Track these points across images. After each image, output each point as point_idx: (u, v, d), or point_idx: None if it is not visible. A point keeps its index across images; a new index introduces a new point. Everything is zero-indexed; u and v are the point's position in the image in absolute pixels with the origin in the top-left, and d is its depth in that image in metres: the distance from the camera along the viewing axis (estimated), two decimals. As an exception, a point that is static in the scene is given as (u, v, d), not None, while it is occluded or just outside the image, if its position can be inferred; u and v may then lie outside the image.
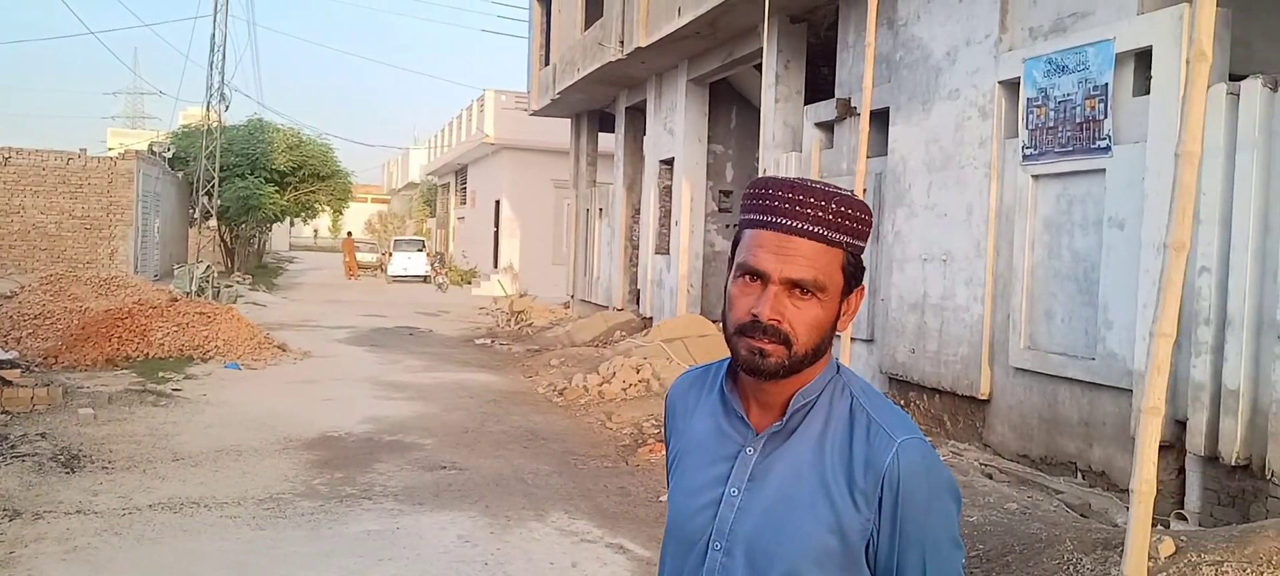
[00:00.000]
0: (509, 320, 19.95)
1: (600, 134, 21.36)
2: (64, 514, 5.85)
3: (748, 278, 1.40)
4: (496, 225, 31.76)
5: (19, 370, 9.29)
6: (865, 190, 10.01)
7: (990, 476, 7.47)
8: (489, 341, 16.92)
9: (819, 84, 12.63)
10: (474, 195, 36.65)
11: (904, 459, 1.39)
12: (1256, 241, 5.77)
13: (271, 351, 13.06)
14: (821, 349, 1.41)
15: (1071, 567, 5.00)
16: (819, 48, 12.59)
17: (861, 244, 1.41)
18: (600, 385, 11.26)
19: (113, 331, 12.24)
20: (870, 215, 1.43)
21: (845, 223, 1.39)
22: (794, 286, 1.38)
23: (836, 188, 1.42)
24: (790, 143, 11.89)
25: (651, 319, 16.57)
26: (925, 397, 9.03)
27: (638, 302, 18.03)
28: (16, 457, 7.00)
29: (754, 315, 1.38)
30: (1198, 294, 6.11)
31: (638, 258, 18.45)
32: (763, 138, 12.23)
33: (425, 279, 34.47)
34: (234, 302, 18.48)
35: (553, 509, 6.42)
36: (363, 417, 9.25)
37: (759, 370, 1.40)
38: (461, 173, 39.93)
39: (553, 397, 11.13)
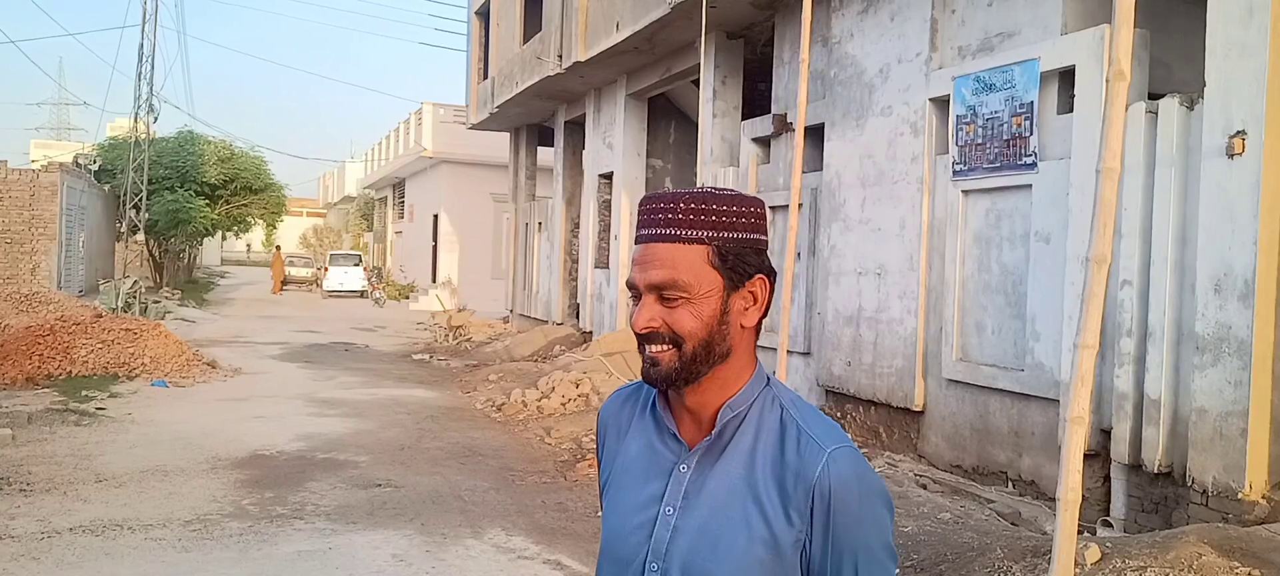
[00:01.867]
0: (447, 335, 19.75)
1: (539, 148, 21.30)
2: (-22, 539, 5.62)
3: (631, 295, 1.43)
4: (435, 239, 31.46)
5: (-69, 390, 8.92)
6: (800, 205, 10.14)
7: (924, 487, 7.59)
8: (427, 357, 16.72)
9: (756, 99, 12.77)
10: (412, 209, 36.28)
11: (834, 468, 1.39)
12: (1175, 255, 5.97)
13: (200, 368, 12.73)
14: (717, 346, 1.40)
15: (1001, 572, 5.10)
16: (756, 64, 12.73)
17: (735, 234, 1.39)
18: (539, 400, 11.20)
19: (33, 349, 11.82)
20: (746, 204, 1.41)
21: (702, 217, 1.38)
22: (658, 291, 1.39)
23: (711, 189, 1.42)
24: (728, 157, 11.99)
25: (592, 333, 16.54)
26: (861, 410, 9.15)
27: (577, 317, 17.99)
28: (-73, 481, 6.72)
29: (636, 328, 1.40)
30: (1120, 306, 6.29)
31: (577, 271, 18.42)
32: (700, 152, 12.31)
33: (362, 293, 33.98)
34: (162, 319, 18.00)
35: (489, 526, 6.35)
36: (295, 435, 9.06)
37: (654, 378, 1.41)
38: (399, 186, 39.52)
39: (491, 413, 11.03)
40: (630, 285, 1.43)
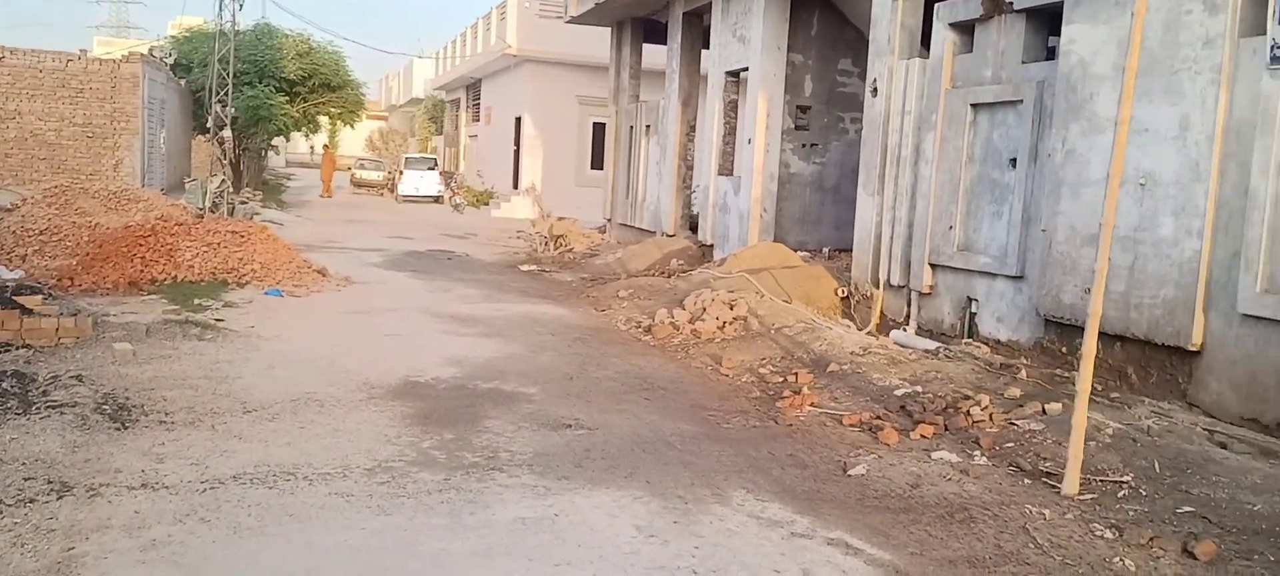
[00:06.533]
0: (547, 244, 18.57)
1: (645, 45, 19.72)
2: (127, 488, 4.55)
3: None
4: (517, 143, 30.15)
5: (40, 296, 7.92)
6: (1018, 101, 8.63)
7: (1224, 446, 6.23)
8: (535, 268, 15.58)
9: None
10: (489, 111, 34.94)
11: None
12: None
13: (311, 276, 11.68)
14: None
15: None
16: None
17: None
18: (692, 323, 9.96)
19: (135, 250, 10.83)
20: None
21: None
22: None
23: None
24: (908, 48, 10.42)
25: (712, 247, 15.24)
26: (1102, 345, 7.74)
27: (693, 229, 16.66)
28: (53, 407, 5.69)
29: None
30: None
31: (692, 179, 17.04)
32: (874, 41, 10.77)
33: (437, 199, 32.94)
34: (250, 220, 17.04)
35: (728, 486, 5.15)
36: (443, 358, 7.93)
37: None
38: (474, 87, 38.12)
39: (639, 335, 9.84)
40: None
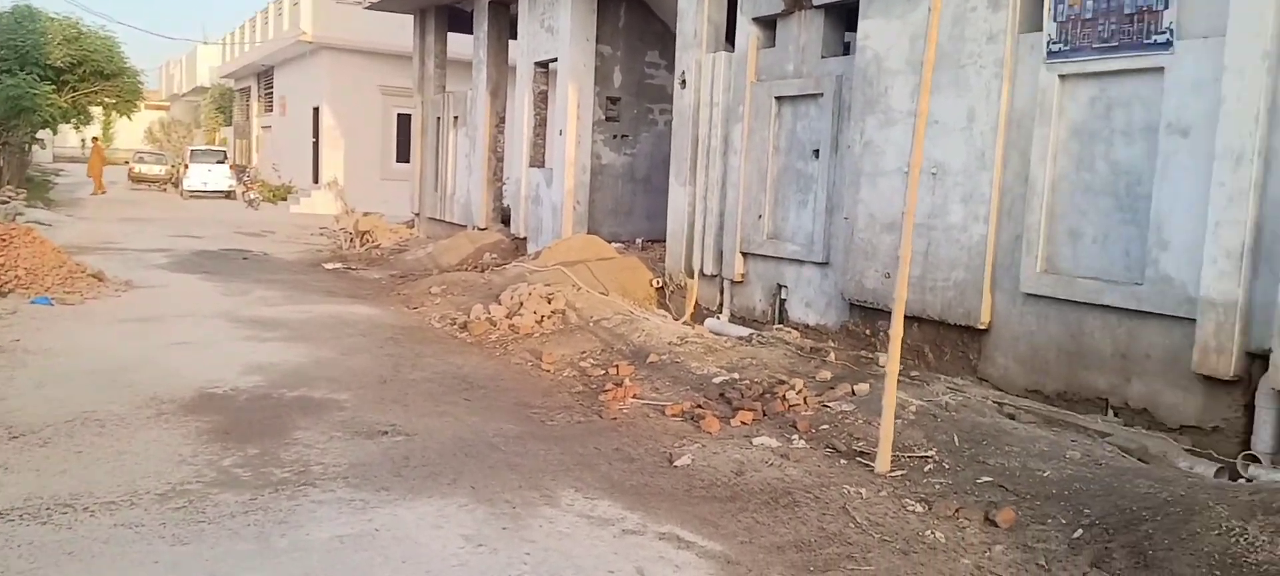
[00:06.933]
0: (352, 241, 17.81)
1: (450, 34, 19.22)
2: None
3: None
4: (316, 136, 28.76)
5: None
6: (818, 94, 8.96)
7: (1012, 417, 6.69)
8: (341, 266, 14.90)
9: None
10: (284, 101, 33.17)
11: None
12: (1377, 151, 5.09)
13: (86, 282, 10.66)
14: None
15: (1238, 538, 4.19)
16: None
17: None
18: (509, 318, 9.77)
19: None
20: None
21: None
22: None
23: None
24: (715, 42, 10.62)
25: (526, 240, 15.06)
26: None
27: (506, 222, 16.42)
28: None
29: None
30: (1292, 211, 5.41)
31: (503, 171, 16.78)
32: (681, 34, 10.90)
33: (228, 194, 31.03)
34: (12, 221, 15.39)
35: (557, 486, 5.05)
36: (243, 366, 7.40)
37: None
38: (266, 75, 36.09)
39: (455, 333, 9.56)
40: None
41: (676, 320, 10.22)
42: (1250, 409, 5.79)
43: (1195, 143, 5.92)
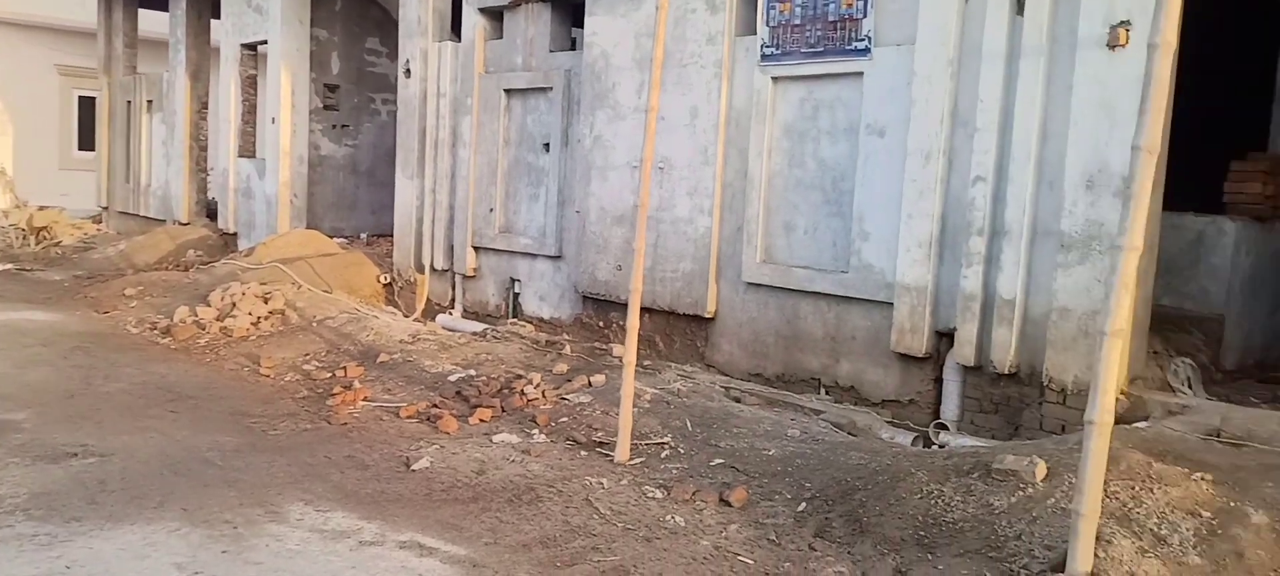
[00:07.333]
0: (26, 239, 15.73)
1: (141, 10, 17.45)
2: None
3: None
4: (-24, 119, 25.10)
5: None
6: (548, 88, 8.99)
7: (738, 400, 7.04)
8: (12, 267, 13.12)
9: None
10: (-68, 79, 28.67)
11: None
12: (1037, 150, 5.81)
13: None
14: None
15: (937, 500, 4.63)
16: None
17: None
18: (220, 320, 9.03)
19: None
20: None
21: None
22: None
23: None
24: (440, 31, 10.35)
25: (237, 236, 13.99)
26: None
27: (212, 216, 15.17)
28: None
29: None
30: (971, 204, 6.07)
31: (208, 162, 15.49)
32: (404, 21, 10.53)
33: None
34: None
35: (283, 500, 4.69)
36: (-113, 387, 6.30)
37: None
38: (-92, 50, 31.04)
39: (156, 338, 8.69)
40: None
41: (407, 317, 9.89)
42: (939, 382, 6.45)
43: (891, 142, 6.49)
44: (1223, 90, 8.50)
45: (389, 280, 10.88)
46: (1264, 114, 8.01)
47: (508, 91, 9.43)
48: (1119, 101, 5.38)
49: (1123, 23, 5.38)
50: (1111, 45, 5.42)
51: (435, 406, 6.42)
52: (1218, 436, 4.92)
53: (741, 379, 7.51)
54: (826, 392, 7.04)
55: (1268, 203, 7.04)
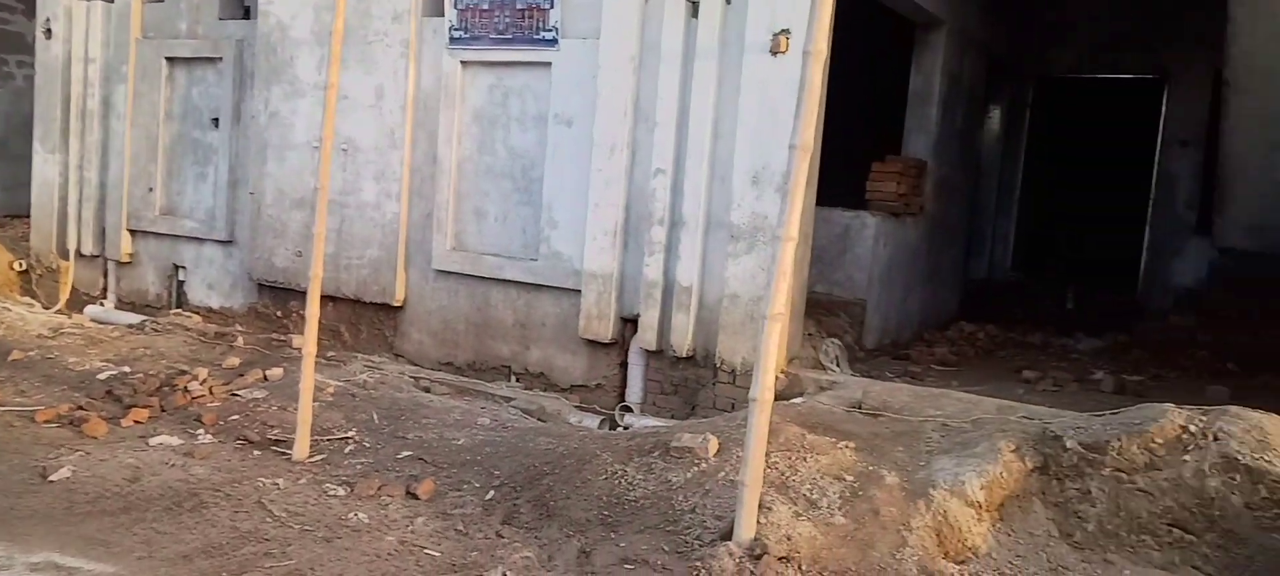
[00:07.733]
0: None
1: None
2: None
3: None
4: None
5: None
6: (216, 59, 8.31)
7: (428, 390, 6.91)
8: None
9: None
10: None
11: None
12: (710, 146, 6.17)
13: None
14: None
15: (620, 480, 4.82)
16: None
17: None
18: None
19: None
20: None
21: None
22: None
23: None
24: (88, -12, 9.21)
25: None
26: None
27: None
28: None
29: None
30: (652, 195, 6.35)
31: None
32: (42, -25, 9.26)
33: None
34: None
35: (-123, 526, 3.97)
36: None
37: None
38: None
39: None
40: None
41: (48, 308, 8.76)
42: (625, 366, 6.70)
43: (578, 132, 6.63)
44: (870, 99, 9.53)
45: (25, 267, 9.55)
46: (902, 122, 9.06)
47: (170, 60, 8.59)
48: (781, 104, 5.82)
49: (784, 31, 5.84)
50: (774, 51, 5.88)
51: (80, 409, 5.72)
52: (860, 408, 5.50)
53: (432, 368, 7.37)
54: (517, 380, 7.09)
55: (901, 200, 7.99)
